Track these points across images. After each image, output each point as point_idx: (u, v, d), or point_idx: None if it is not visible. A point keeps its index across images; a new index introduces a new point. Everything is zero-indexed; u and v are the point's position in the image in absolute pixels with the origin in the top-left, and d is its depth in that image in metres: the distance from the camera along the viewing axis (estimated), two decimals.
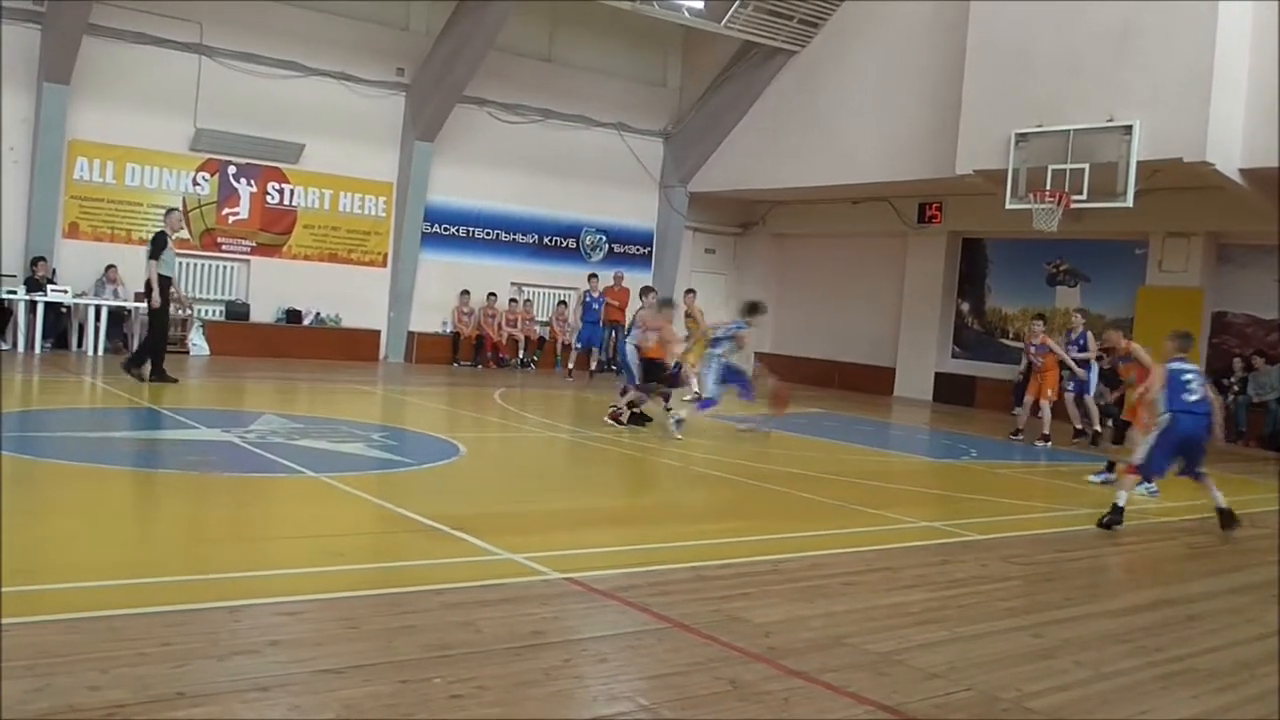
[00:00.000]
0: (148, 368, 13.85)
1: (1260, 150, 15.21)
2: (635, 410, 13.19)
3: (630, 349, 13.32)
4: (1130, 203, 15.17)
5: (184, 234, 18.99)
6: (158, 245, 13.94)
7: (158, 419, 11.07)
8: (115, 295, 17.70)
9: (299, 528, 6.84)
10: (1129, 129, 15.16)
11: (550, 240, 23.43)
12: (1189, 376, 8.87)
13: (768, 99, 22.76)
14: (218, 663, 4.14)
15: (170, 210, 15.18)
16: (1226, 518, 8.83)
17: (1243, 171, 15.47)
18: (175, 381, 13.72)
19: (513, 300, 22.64)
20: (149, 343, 14.19)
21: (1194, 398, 8.79)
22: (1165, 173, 15.45)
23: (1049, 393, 15.12)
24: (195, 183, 19.20)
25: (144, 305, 17.64)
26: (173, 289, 14.56)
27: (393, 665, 4.23)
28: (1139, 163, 15.07)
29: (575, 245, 23.84)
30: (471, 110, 21.59)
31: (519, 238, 22.99)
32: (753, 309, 13.32)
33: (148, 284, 13.96)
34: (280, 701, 3.79)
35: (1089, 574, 7.27)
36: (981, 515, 9.09)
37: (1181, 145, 14.98)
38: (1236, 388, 17.54)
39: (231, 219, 19.62)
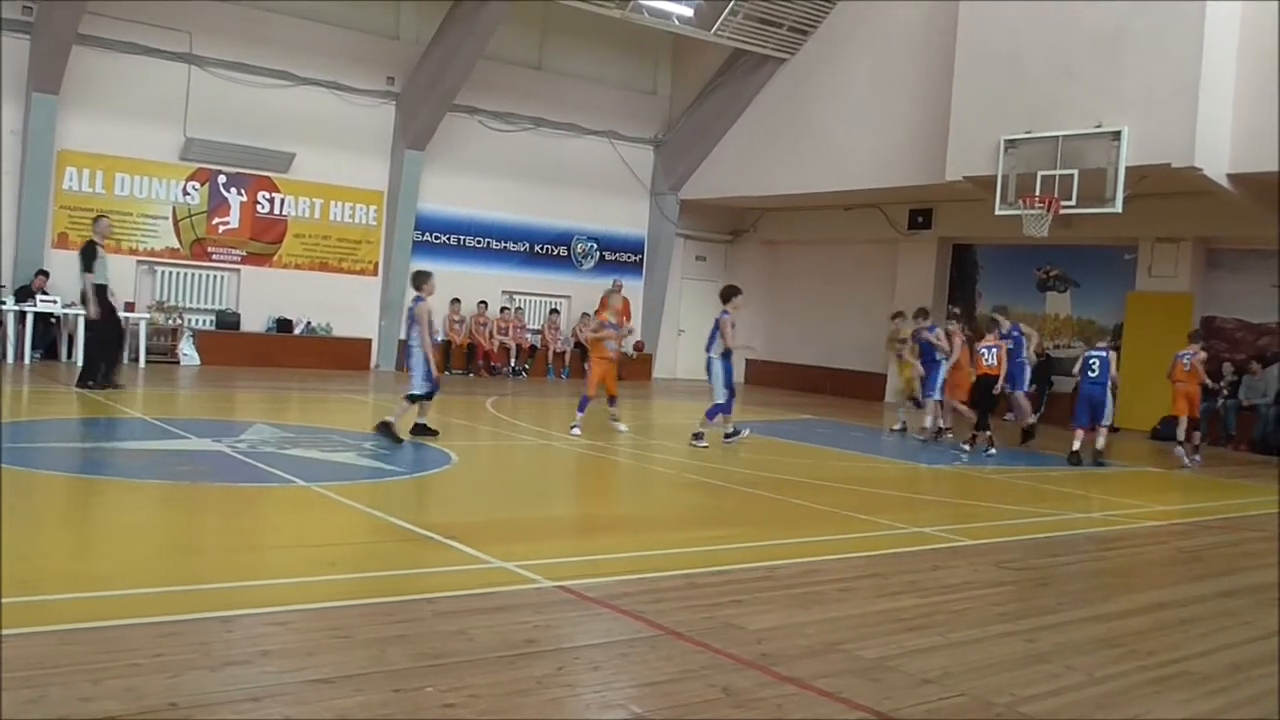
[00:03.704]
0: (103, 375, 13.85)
1: (1248, 155, 15.28)
2: (407, 423, 11.39)
3: (419, 353, 11.48)
4: (1119, 208, 15.23)
5: (174, 243, 19.07)
6: (88, 256, 13.76)
7: (148, 429, 11.05)
8: None
9: (290, 537, 6.82)
10: (1118, 135, 15.22)
11: (541, 248, 23.44)
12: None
13: (758, 106, 22.81)
14: (210, 673, 4.13)
15: (99, 218, 15.00)
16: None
17: (1230, 176, 15.53)
18: (121, 388, 13.67)
19: (504, 308, 22.65)
20: (92, 353, 14.05)
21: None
22: (1154, 178, 15.51)
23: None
24: (185, 192, 19.19)
25: (133, 315, 17.76)
26: (111, 296, 14.44)
27: (385, 674, 4.21)
28: (1128, 168, 15.14)
29: (566, 253, 23.85)
30: (462, 119, 21.59)
31: (510, 246, 22.99)
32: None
33: (83, 295, 13.82)
34: (272, 711, 3.78)
35: (1081, 578, 7.29)
36: (973, 520, 9.10)
37: (1170, 150, 15.04)
38: (1226, 391, 17.59)
39: (221, 228, 19.60)
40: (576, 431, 12.59)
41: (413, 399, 11.34)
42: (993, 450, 13.70)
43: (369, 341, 21.10)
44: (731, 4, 20.37)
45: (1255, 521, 10.22)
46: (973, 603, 6.21)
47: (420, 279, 11.69)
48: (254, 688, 3.97)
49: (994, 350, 14.03)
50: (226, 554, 6.22)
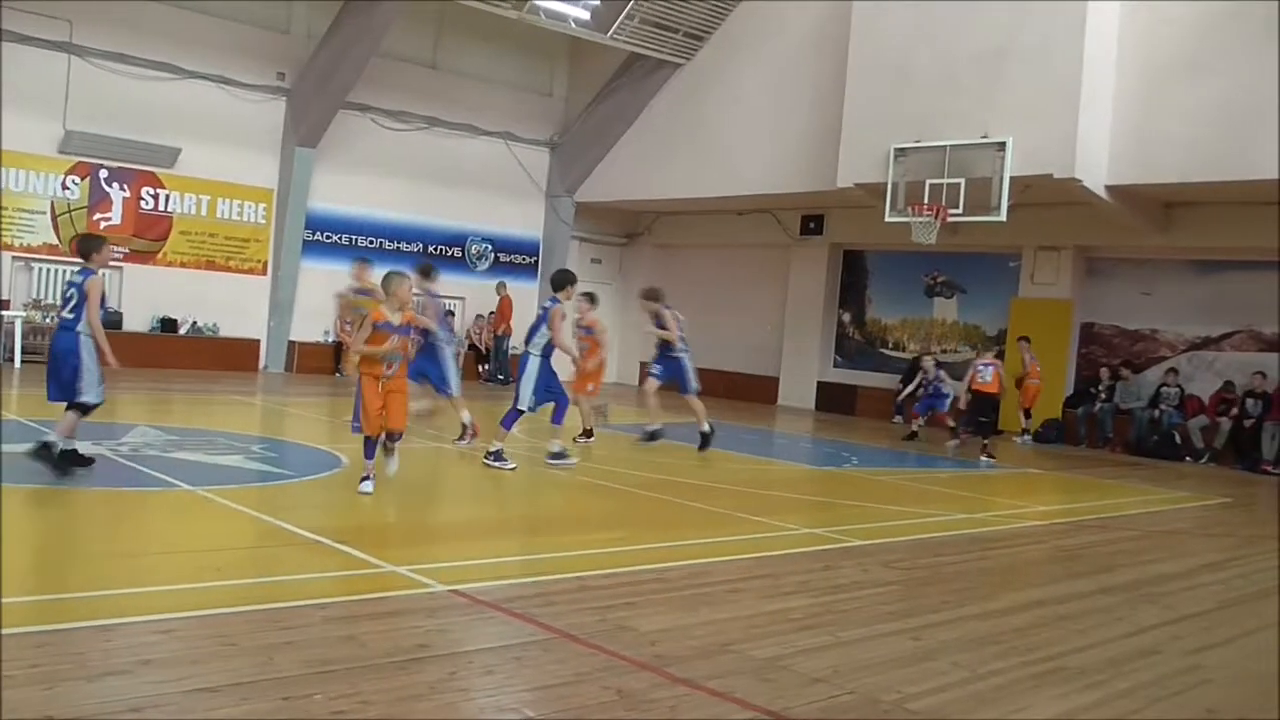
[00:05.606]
0: None
1: (1124, 168, 15.88)
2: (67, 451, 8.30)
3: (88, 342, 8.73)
4: (1004, 217, 15.67)
5: (52, 239, 18.42)
6: None
7: (21, 430, 10.64)
8: None
9: (174, 543, 6.64)
10: (1002, 145, 15.67)
11: (435, 249, 23.20)
12: None
13: (654, 110, 22.93)
14: (87, 684, 4.00)
15: None
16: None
17: (1108, 188, 16.12)
18: None
19: None
20: None
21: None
22: (1037, 188, 16.01)
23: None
24: (64, 186, 18.55)
25: (7, 314, 17.14)
26: None
27: (273, 682, 4.13)
28: (1012, 178, 15.60)
29: (461, 254, 23.66)
30: (355, 116, 21.28)
31: (403, 246, 22.69)
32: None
33: None
34: None
35: (965, 577, 7.47)
36: (862, 521, 9.26)
37: (1052, 162, 15.54)
38: (1104, 395, 18.22)
39: (103, 224, 18.95)
40: (367, 487, 8.42)
41: (85, 409, 8.38)
42: (988, 458, 14.43)
43: (257, 342, 20.65)
44: (629, 8, 20.44)
45: (1129, 521, 10.60)
46: (862, 602, 6.32)
47: (91, 245, 8.86)
48: (134, 698, 3.86)
49: (990, 369, 14.80)
50: (106, 560, 6.03)
